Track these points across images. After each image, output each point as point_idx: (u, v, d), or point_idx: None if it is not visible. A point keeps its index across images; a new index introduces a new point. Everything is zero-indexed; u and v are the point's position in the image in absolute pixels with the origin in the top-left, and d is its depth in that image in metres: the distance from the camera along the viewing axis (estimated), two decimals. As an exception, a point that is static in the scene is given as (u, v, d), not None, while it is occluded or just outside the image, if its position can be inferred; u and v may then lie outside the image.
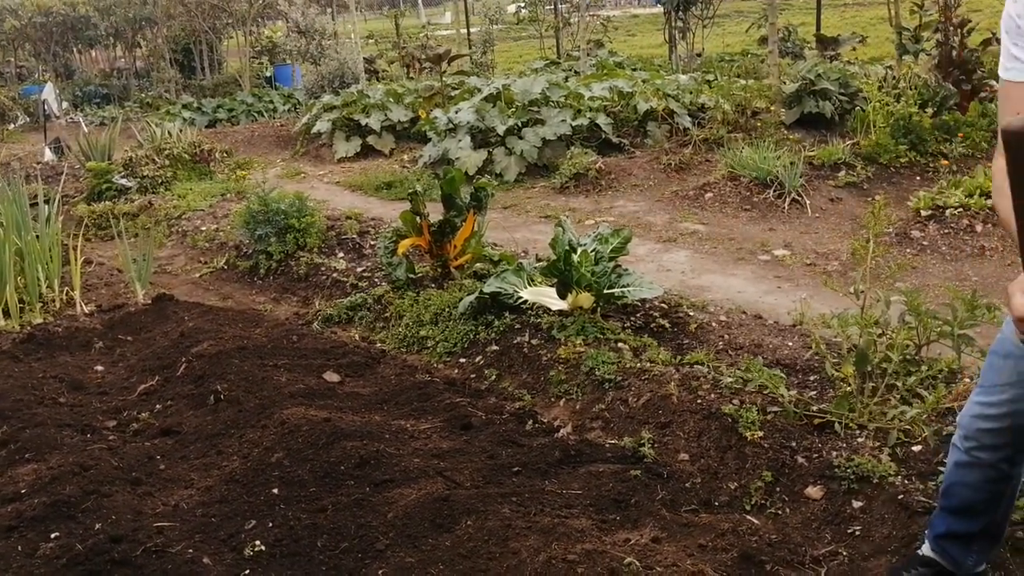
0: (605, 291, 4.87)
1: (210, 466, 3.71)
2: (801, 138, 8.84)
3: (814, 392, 4.00)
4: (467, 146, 9.40)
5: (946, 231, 6.31)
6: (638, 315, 5.03)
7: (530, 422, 4.08)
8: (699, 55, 16.36)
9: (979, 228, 6.23)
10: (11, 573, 2.92)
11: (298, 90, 17.08)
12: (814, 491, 3.34)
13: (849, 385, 3.74)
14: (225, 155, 11.06)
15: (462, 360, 4.93)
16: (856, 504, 3.23)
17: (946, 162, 7.83)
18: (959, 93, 8.56)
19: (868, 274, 3.71)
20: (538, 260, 5.67)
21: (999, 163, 2.13)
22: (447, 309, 5.26)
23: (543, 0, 20.58)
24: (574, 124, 9.41)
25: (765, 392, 3.84)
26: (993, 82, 8.32)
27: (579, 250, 4.85)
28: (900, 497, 3.16)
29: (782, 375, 3.97)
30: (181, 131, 11.23)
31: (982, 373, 2.48)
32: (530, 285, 5.09)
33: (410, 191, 5.82)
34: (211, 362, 4.71)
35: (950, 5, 8.67)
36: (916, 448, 3.44)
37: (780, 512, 3.32)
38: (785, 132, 9.01)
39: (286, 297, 6.48)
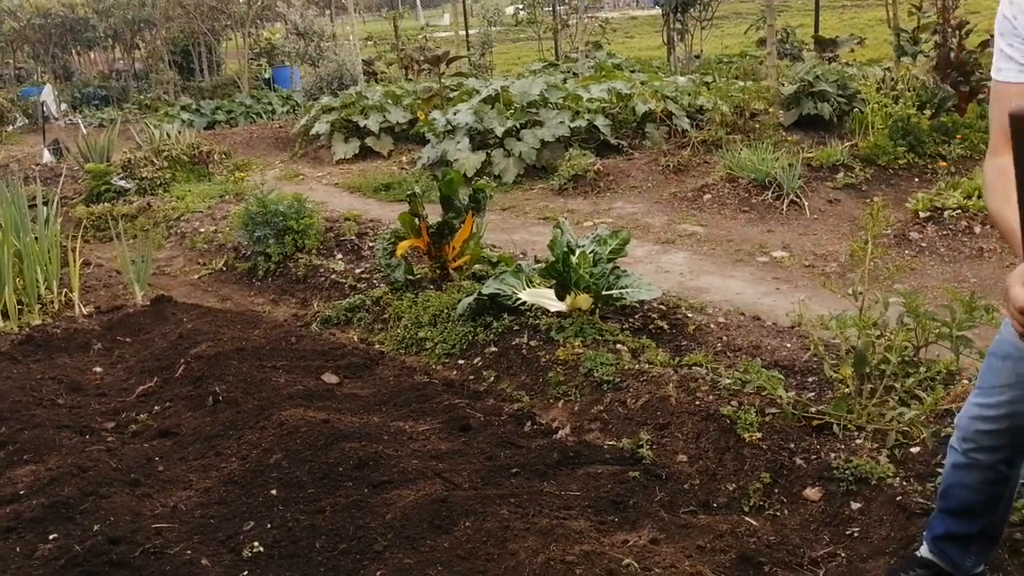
0: (603, 293, 4.87)
1: (208, 467, 3.71)
2: (799, 140, 8.85)
3: (812, 394, 4.00)
4: (465, 148, 9.40)
5: (944, 233, 6.31)
6: (636, 316, 5.03)
7: (528, 423, 4.08)
8: (697, 57, 16.37)
9: (977, 230, 6.24)
10: (9, 574, 2.92)
11: (297, 92, 17.08)
12: (812, 492, 3.34)
13: (847, 387, 3.74)
14: (224, 157, 11.05)
15: (461, 361, 4.93)
16: (854, 505, 3.23)
17: (944, 164, 7.83)
18: (957, 95, 8.57)
19: (867, 276, 3.71)
20: (537, 262, 5.67)
21: (990, 162, 2.13)
22: (446, 310, 5.26)
23: (541, 2, 20.59)
24: (572, 126, 9.41)
25: (763, 393, 3.84)
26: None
27: (577, 252, 4.85)
28: (898, 498, 3.16)
29: (780, 376, 3.96)
30: (180, 133, 11.23)
31: (980, 375, 2.49)
32: (529, 287, 5.09)
33: (409, 193, 5.82)
34: (210, 363, 4.71)
35: (948, 7, 8.69)
36: (914, 449, 3.44)
37: (778, 513, 3.32)
38: (783, 134, 9.02)
39: (285, 298, 6.48)
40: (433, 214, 5.80)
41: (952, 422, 2.89)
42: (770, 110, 9.42)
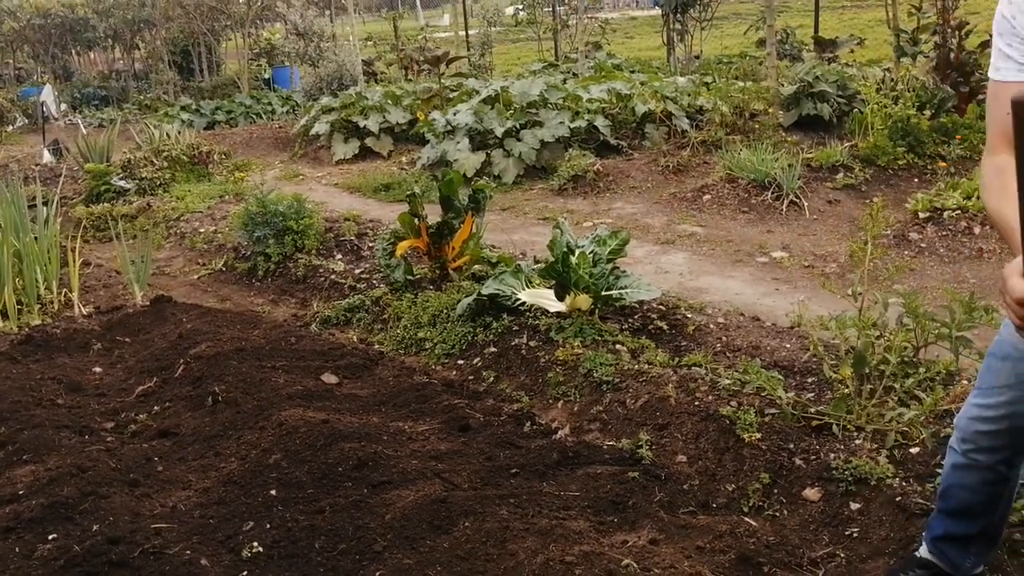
0: (603, 293, 4.87)
1: (208, 467, 3.71)
2: (799, 140, 8.85)
3: (812, 394, 4.00)
4: (465, 148, 9.41)
5: (944, 233, 6.31)
6: (636, 317, 5.03)
7: (528, 424, 4.08)
8: (697, 57, 16.38)
9: (977, 230, 6.24)
10: (9, 574, 2.92)
11: (296, 92, 17.09)
12: (812, 493, 3.34)
13: (847, 387, 3.74)
14: (223, 157, 11.06)
15: (460, 362, 4.93)
16: (854, 506, 3.23)
17: (944, 164, 7.83)
18: (957, 95, 8.57)
19: (866, 276, 3.71)
20: (536, 262, 5.67)
21: (988, 161, 2.13)
22: (445, 311, 5.26)
23: (541, 2, 20.59)
24: (572, 126, 9.41)
25: (763, 394, 3.84)
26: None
27: (577, 252, 4.85)
28: (898, 499, 3.16)
29: (780, 377, 3.97)
30: (179, 133, 11.23)
31: (980, 375, 2.49)
32: (528, 287, 5.09)
33: (408, 193, 5.83)
34: (209, 364, 4.71)
35: (948, 7, 8.70)
36: (914, 450, 3.44)
37: (778, 514, 3.32)
38: (783, 134, 9.02)
39: (284, 299, 6.48)
40: (433, 214, 5.81)
41: (951, 423, 2.90)
42: (770, 110, 9.42)
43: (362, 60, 16.18)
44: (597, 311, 4.90)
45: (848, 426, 3.60)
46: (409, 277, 5.77)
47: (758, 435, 3.57)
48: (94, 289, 6.80)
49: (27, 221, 6.55)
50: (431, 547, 2.96)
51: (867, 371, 3.64)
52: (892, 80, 9.14)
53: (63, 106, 18.96)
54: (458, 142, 9.52)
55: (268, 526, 3.19)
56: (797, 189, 7.46)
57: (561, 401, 4.31)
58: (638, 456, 3.67)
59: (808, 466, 3.44)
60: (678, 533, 3.09)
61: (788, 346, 4.59)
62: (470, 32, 20.88)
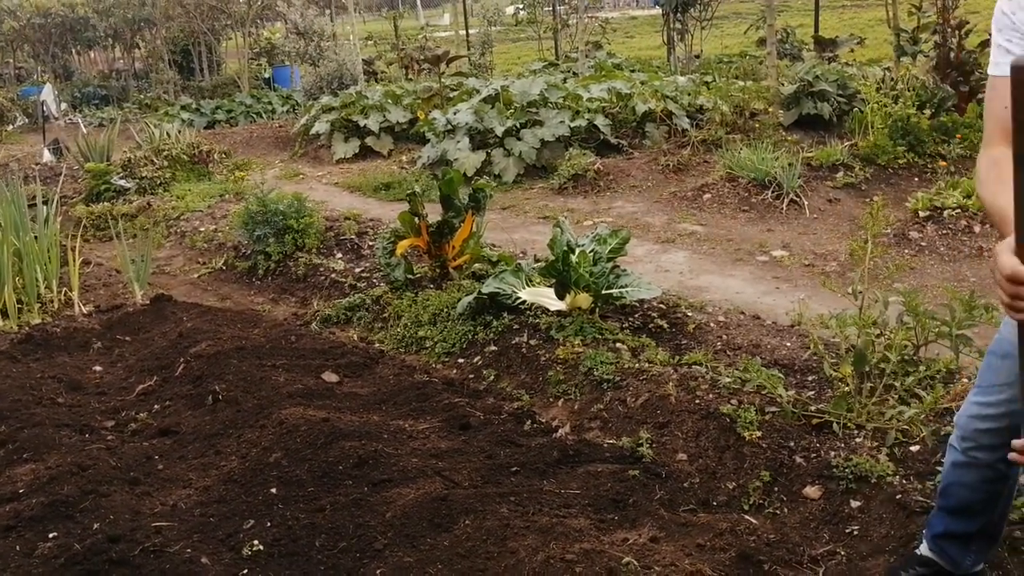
0: (603, 292, 4.87)
1: (208, 466, 3.71)
2: (799, 139, 8.85)
3: (812, 392, 4.00)
4: (465, 147, 9.41)
5: (944, 232, 6.31)
6: (636, 315, 5.03)
7: (528, 422, 4.08)
8: (697, 57, 16.37)
9: (977, 229, 6.24)
10: (9, 573, 2.92)
11: (297, 91, 17.08)
12: (812, 491, 3.34)
13: (847, 385, 3.74)
14: (224, 156, 11.06)
15: (460, 360, 4.93)
16: (854, 504, 3.24)
17: (944, 163, 7.83)
18: (957, 94, 8.57)
19: (866, 275, 3.71)
20: (536, 261, 5.67)
21: (984, 155, 2.13)
22: (445, 309, 5.26)
23: (541, 2, 20.58)
24: (572, 125, 9.41)
25: (763, 392, 3.84)
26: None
27: (577, 251, 4.85)
28: (898, 497, 3.16)
29: (780, 375, 3.97)
30: (180, 132, 11.23)
31: (980, 373, 2.49)
32: (528, 286, 5.09)
33: (408, 192, 5.83)
34: (209, 362, 4.71)
35: (948, 7, 8.69)
36: (914, 448, 3.44)
37: (778, 512, 3.32)
38: (783, 133, 9.02)
39: (284, 297, 6.48)
40: (433, 213, 5.81)
41: (951, 421, 2.90)
42: (770, 110, 9.42)
43: (362, 59, 16.18)
44: (597, 310, 4.90)
45: (848, 424, 3.60)
46: (409, 276, 5.77)
47: (758, 433, 3.57)
48: (94, 288, 6.80)
49: (27, 220, 6.55)
50: (432, 545, 2.96)
51: (867, 369, 3.64)
52: (892, 79, 9.13)
53: (63, 105, 18.96)
54: (458, 141, 9.52)
55: (269, 524, 3.19)
56: (797, 188, 7.46)
57: (561, 399, 4.31)
58: (639, 454, 3.67)
59: (808, 464, 3.44)
60: (679, 531, 3.09)
61: (788, 344, 4.59)
62: (470, 31, 20.88)
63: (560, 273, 4.77)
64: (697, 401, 3.87)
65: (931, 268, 5.93)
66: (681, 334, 4.82)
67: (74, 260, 6.36)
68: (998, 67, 2.11)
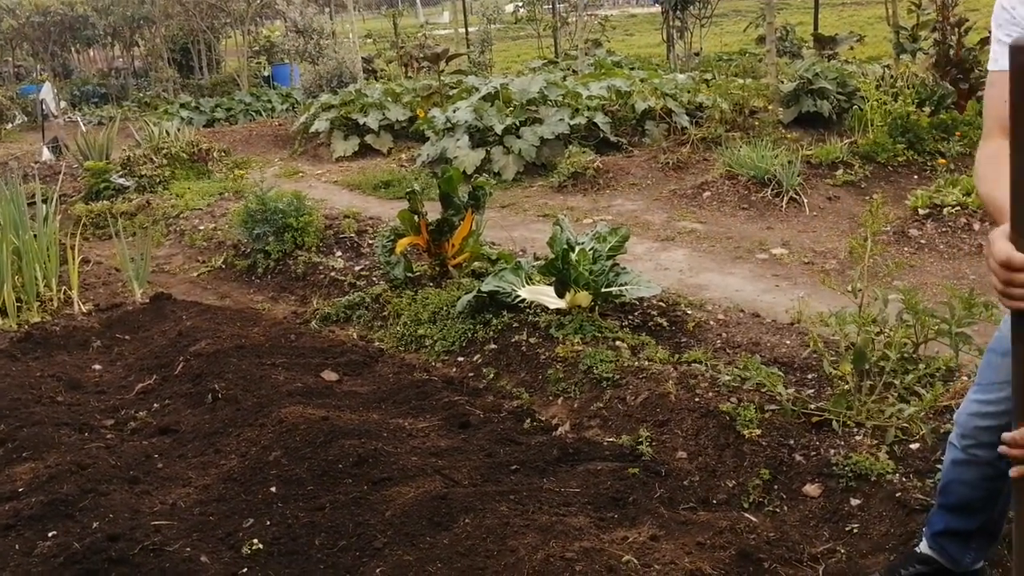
0: (603, 290, 4.87)
1: (208, 465, 3.71)
2: (799, 137, 8.85)
3: (812, 390, 4.00)
4: (465, 145, 9.40)
5: (944, 229, 6.31)
6: (636, 314, 5.03)
7: (528, 420, 4.08)
8: (697, 54, 16.36)
9: (976, 226, 6.24)
10: (8, 571, 2.92)
11: (296, 89, 17.07)
12: (812, 489, 3.34)
13: (847, 383, 3.74)
14: (223, 154, 11.05)
15: (460, 359, 4.93)
16: (854, 502, 3.23)
17: (944, 161, 7.83)
18: (956, 92, 8.57)
19: (866, 272, 3.71)
20: (536, 259, 5.67)
21: (982, 149, 2.13)
22: (445, 308, 5.26)
23: (541, -1, 20.59)
24: (572, 123, 9.40)
25: (763, 390, 3.84)
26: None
27: (577, 249, 4.85)
28: (898, 495, 3.16)
29: (780, 373, 3.96)
30: (179, 130, 11.22)
31: (980, 371, 2.49)
32: (528, 284, 5.09)
33: (408, 190, 5.82)
34: (209, 361, 4.71)
35: (947, 4, 8.69)
36: (914, 446, 3.44)
37: (778, 510, 3.32)
38: (783, 131, 9.02)
39: (284, 296, 6.47)
40: (432, 211, 5.80)
41: (951, 418, 2.89)
42: (769, 107, 9.42)
43: (362, 57, 16.17)
44: (597, 308, 4.90)
45: (848, 422, 3.60)
46: (409, 274, 5.77)
47: (758, 431, 3.57)
48: (93, 287, 6.79)
49: (26, 219, 6.54)
50: (431, 543, 2.96)
51: (867, 367, 3.64)
52: (892, 77, 9.13)
53: (62, 104, 18.95)
54: (458, 139, 9.52)
55: (268, 523, 3.19)
56: (797, 186, 7.46)
57: (561, 398, 4.31)
58: (638, 452, 3.67)
59: (808, 462, 3.44)
60: (678, 529, 3.09)
61: (788, 342, 4.59)
62: (470, 29, 20.88)
63: (560, 271, 4.77)
64: (697, 399, 3.87)
65: (931, 266, 5.93)
66: (681, 332, 4.82)
67: (73, 258, 6.35)
68: (997, 63, 2.11)
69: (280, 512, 3.24)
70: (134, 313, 5.88)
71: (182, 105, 16.51)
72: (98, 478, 3.48)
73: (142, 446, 3.91)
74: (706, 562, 2.83)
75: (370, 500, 3.25)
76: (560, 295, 4.87)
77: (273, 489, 3.40)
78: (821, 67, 9.77)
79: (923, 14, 9.37)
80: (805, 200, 7.38)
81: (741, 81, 9.94)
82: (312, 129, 11.80)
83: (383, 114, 11.46)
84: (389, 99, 11.88)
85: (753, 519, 3.25)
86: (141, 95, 20.24)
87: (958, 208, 6.39)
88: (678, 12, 15.64)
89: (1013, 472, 1.81)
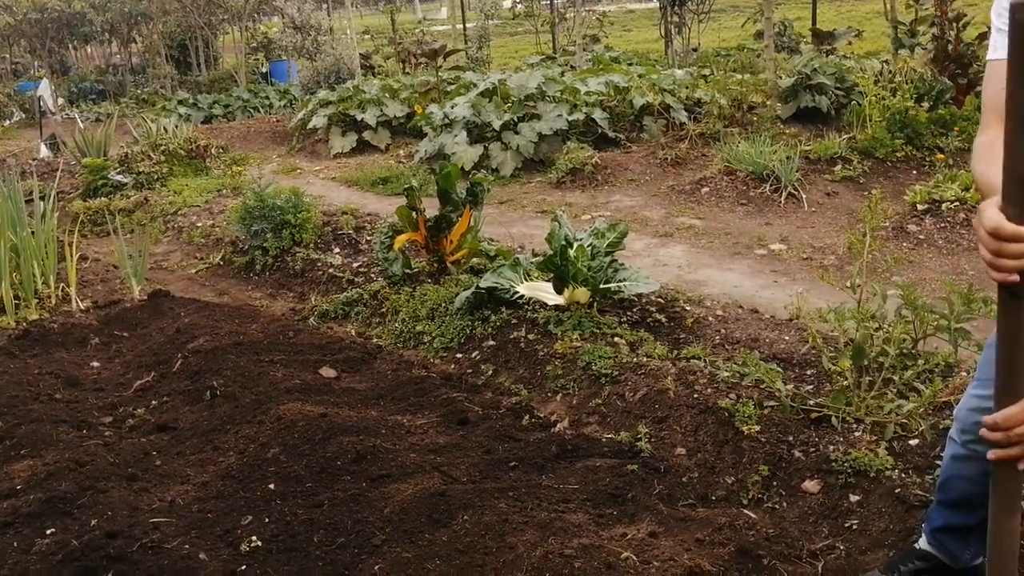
0: (601, 286, 4.86)
1: (206, 462, 3.70)
2: (797, 132, 8.84)
3: (811, 386, 4.00)
4: (463, 141, 9.39)
5: (942, 225, 6.31)
6: (635, 310, 5.03)
7: (527, 417, 4.07)
8: (695, 50, 16.34)
9: (975, 222, 6.23)
10: (7, 569, 2.91)
11: (294, 86, 17.04)
12: (811, 485, 3.34)
13: (846, 379, 3.74)
14: (221, 151, 11.03)
15: (458, 355, 4.93)
16: (853, 498, 3.23)
17: (942, 156, 7.83)
18: (955, 87, 8.57)
19: (865, 268, 3.70)
20: (534, 255, 5.66)
21: (980, 138, 2.12)
22: (443, 304, 5.26)
23: (539, -5, 20.57)
24: (570, 119, 9.39)
25: (762, 386, 3.84)
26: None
27: (575, 245, 4.85)
28: (897, 491, 3.16)
29: (779, 369, 3.96)
30: (177, 127, 11.20)
31: (979, 366, 2.48)
32: (526, 280, 5.09)
33: (406, 186, 5.81)
34: (207, 358, 4.70)
35: (946, -1, 8.69)
36: (913, 442, 3.44)
37: (777, 506, 3.32)
38: (781, 126, 9.01)
39: (282, 293, 6.47)
40: (431, 208, 5.80)
41: (951, 414, 2.89)
42: (768, 103, 9.41)
43: (359, 53, 16.16)
44: (595, 304, 4.89)
45: (847, 418, 3.60)
46: (407, 271, 5.77)
47: (757, 427, 3.57)
48: (92, 284, 6.79)
49: (24, 216, 6.53)
50: (430, 540, 2.96)
51: (866, 363, 3.63)
52: (890, 72, 9.13)
53: (60, 101, 18.91)
54: (456, 135, 9.51)
55: (267, 520, 3.18)
56: (795, 181, 7.46)
57: (560, 394, 4.31)
58: (637, 449, 3.67)
59: (807, 458, 3.44)
60: (677, 526, 3.08)
61: (787, 338, 4.59)
62: (467, 25, 20.83)
63: (558, 267, 4.76)
64: (695, 395, 3.86)
65: (929, 261, 5.93)
66: (679, 328, 4.81)
67: (71, 256, 6.35)
68: (997, 51, 2.10)
69: (279, 509, 3.24)
70: (132, 310, 5.87)
71: (180, 102, 16.48)
72: (96, 475, 3.48)
73: (140, 443, 3.90)
74: (705, 559, 2.83)
75: (369, 497, 3.25)
76: (559, 291, 4.87)
77: (271, 486, 3.40)
78: (819, 62, 9.77)
79: (921, 9, 9.35)
80: (804, 196, 7.38)
81: (739, 77, 9.94)
82: (310, 125, 11.79)
83: (381, 110, 11.45)
84: (387, 95, 11.86)
85: (752, 515, 3.25)
86: (139, 92, 20.21)
87: (957, 203, 6.39)
88: (676, 7, 15.61)
89: (991, 455, 1.77)
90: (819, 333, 3.97)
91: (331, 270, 6.38)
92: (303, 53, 17.82)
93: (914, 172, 7.75)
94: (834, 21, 19.43)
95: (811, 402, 3.74)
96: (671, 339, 4.68)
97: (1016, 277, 1.66)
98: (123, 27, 22.83)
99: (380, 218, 7.34)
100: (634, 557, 2.79)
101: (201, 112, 15.86)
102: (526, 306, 4.99)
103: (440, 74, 12.55)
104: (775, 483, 3.40)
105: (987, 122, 2.11)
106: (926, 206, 6.46)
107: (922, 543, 2.77)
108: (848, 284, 3.76)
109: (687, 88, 10.19)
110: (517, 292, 5.01)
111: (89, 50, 27.35)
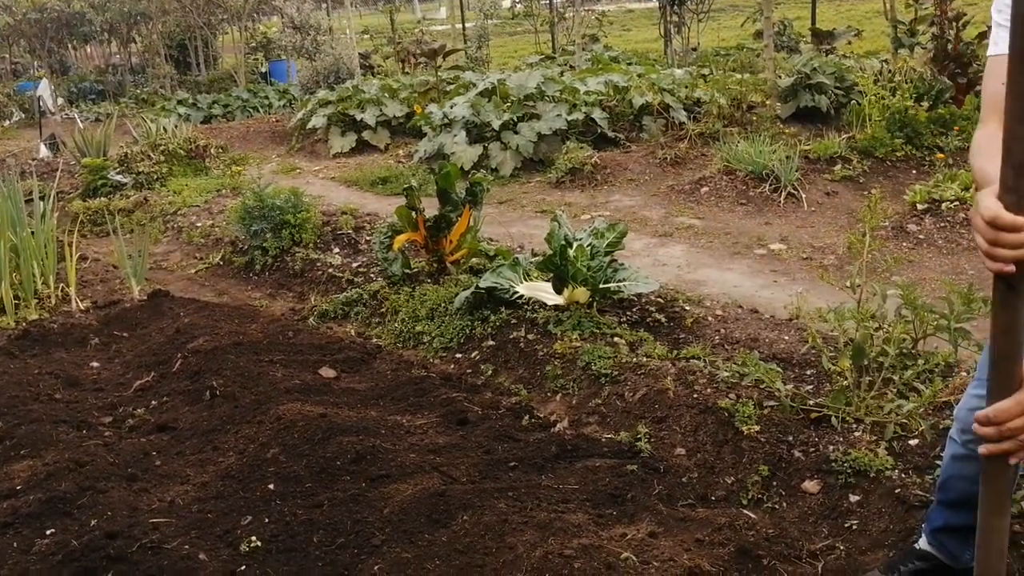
0: (601, 286, 4.86)
1: (206, 462, 3.70)
2: (797, 132, 8.84)
3: (811, 386, 4.00)
4: (462, 141, 9.39)
5: (942, 224, 6.31)
6: (634, 310, 5.03)
7: (526, 417, 4.07)
8: (694, 49, 16.34)
9: (972, 212, 6.22)
10: (7, 569, 2.91)
11: (293, 86, 17.04)
12: (811, 485, 3.34)
13: (846, 379, 3.74)
14: (220, 151, 11.03)
15: (458, 355, 4.93)
16: (853, 498, 3.23)
17: (942, 156, 7.83)
18: (955, 87, 8.56)
19: (864, 268, 3.70)
20: (534, 255, 5.66)
21: (979, 131, 2.11)
22: (443, 304, 5.26)
23: (538, -5, 20.56)
24: (570, 119, 9.39)
25: (761, 386, 3.84)
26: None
27: (575, 245, 4.84)
28: (897, 491, 3.16)
29: (778, 369, 3.96)
30: (176, 127, 11.20)
31: (979, 366, 2.48)
32: (526, 280, 5.08)
33: (406, 186, 5.81)
34: (207, 358, 4.70)
35: (945, -1, 8.68)
36: (913, 442, 3.43)
37: (777, 506, 3.32)
38: (781, 126, 9.00)
39: (282, 293, 6.47)
40: (430, 208, 5.79)
41: (951, 414, 2.89)
42: (767, 102, 9.41)
43: (359, 53, 16.15)
44: (595, 304, 4.89)
45: (847, 418, 3.60)
46: (407, 271, 5.76)
47: (757, 427, 3.57)
48: (91, 284, 6.78)
49: (24, 216, 6.53)
50: (429, 540, 2.96)
51: (866, 363, 3.63)
52: (890, 71, 9.12)
53: (60, 100, 18.90)
54: (455, 135, 9.51)
55: (266, 520, 3.18)
56: (795, 181, 7.45)
57: (559, 394, 4.31)
58: (637, 449, 3.67)
59: (807, 458, 3.44)
60: (677, 526, 3.08)
61: (786, 338, 4.59)
62: (467, 25, 20.83)
63: (558, 267, 4.76)
64: (695, 395, 3.86)
65: (929, 261, 5.93)
66: (679, 328, 4.81)
67: (71, 256, 6.35)
68: (997, 46, 2.09)
69: (278, 509, 3.24)
70: (132, 310, 5.87)
71: (179, 101, 16.48)
72: (96, 476, 3.48)
73: (140, 443, 3.90)
74: (705, 559, 2.83)
75: (368, 497, 3.25)
76: (558, 291, 4.87)
77: (271, 486, 3.40)
78: (819, 62, 9.77)
79: (921, 8, 9.35)
80: (803, 195, 7.38)
81: (739, 76, 9.93)
82: (309, 125, 11.78)
83: (380, 110, 11.45)
84: (386, 95, 11.86)
85: (752, 516, 3.24)
86: (138, 92, 20.20)
87: (957, 203, 6.38)
88: (675, 7, 15.60)
89: (982, 449, 1.76)
90: (819, 333, 3.97)
91: (331, 270, 6.38)
92: (302, 53, 17.82)
93: (914, 172, 7.75)
94: (834, 20, 19.43)
95: (811, 402, 3.74)
96: (671, 339, 4.68)
97: (1013, 268, 1.64)
98: (122, 27, 22.82)
99: (379, 218, 7.34)
100: (634, 557, 2.79)
101: (200, 112, 15.86)
102: (526, 306, 4.99)
103: (439, 74, 12.55)
104: (775, 483, 3.40)
105: (986, 117, 2.10)
106: (926, 206, 6.46)
107: (922, 543, 2.77)
108: (848, 284, 3.76)
109: (686, 88, 10.18)
110: (517, 292, 5.01)
111: (89, 50, 27.35)
